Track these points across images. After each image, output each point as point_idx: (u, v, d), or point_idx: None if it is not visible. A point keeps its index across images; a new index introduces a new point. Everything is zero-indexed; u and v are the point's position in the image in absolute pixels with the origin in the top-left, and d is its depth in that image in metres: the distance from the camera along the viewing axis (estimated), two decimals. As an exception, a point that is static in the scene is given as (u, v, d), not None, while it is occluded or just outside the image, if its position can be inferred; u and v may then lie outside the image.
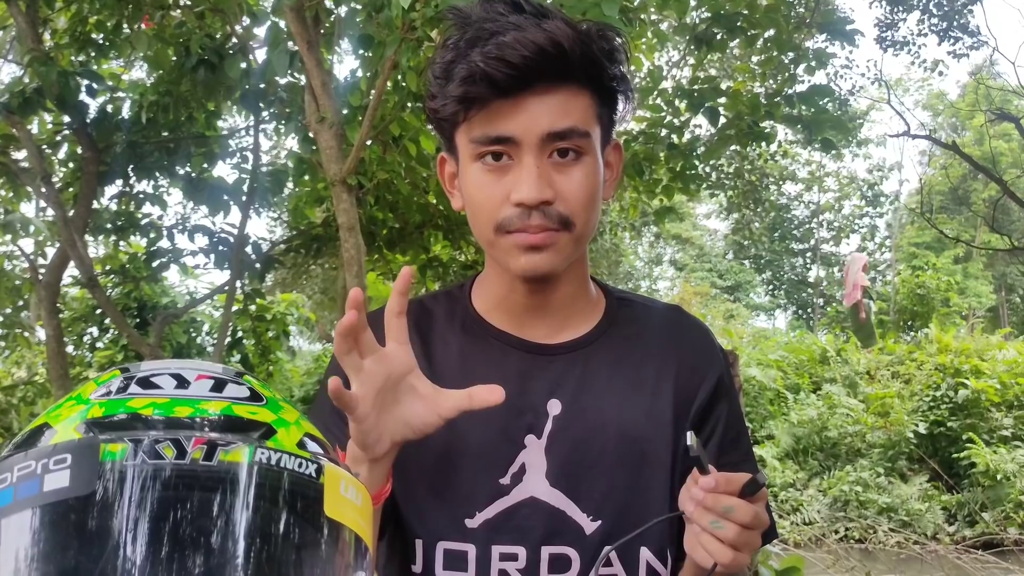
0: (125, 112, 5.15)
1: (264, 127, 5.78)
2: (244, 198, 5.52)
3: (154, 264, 5.90)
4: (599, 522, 1.08)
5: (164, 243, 5.80)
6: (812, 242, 30.89)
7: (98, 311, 7.26)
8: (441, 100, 1.01)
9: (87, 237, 5.56)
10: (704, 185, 6.33)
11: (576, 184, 1.02)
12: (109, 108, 5.12)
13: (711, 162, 6.59)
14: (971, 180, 24.15)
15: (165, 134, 5.29)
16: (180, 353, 8.08)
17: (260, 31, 4.74)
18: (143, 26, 4.63)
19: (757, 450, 10.75)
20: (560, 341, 1.13)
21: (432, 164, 4.67)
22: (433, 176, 4.79)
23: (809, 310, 30.74)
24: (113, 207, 5.83)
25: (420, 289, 5.78)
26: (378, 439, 0.95)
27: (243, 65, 4.59)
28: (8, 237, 5.51)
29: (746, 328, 20.16)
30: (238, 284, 5.81)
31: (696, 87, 5.01)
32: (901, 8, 9.50)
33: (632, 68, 5.38)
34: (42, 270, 5.51)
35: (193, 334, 8.88)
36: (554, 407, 1.10)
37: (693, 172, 5.26)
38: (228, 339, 6.41)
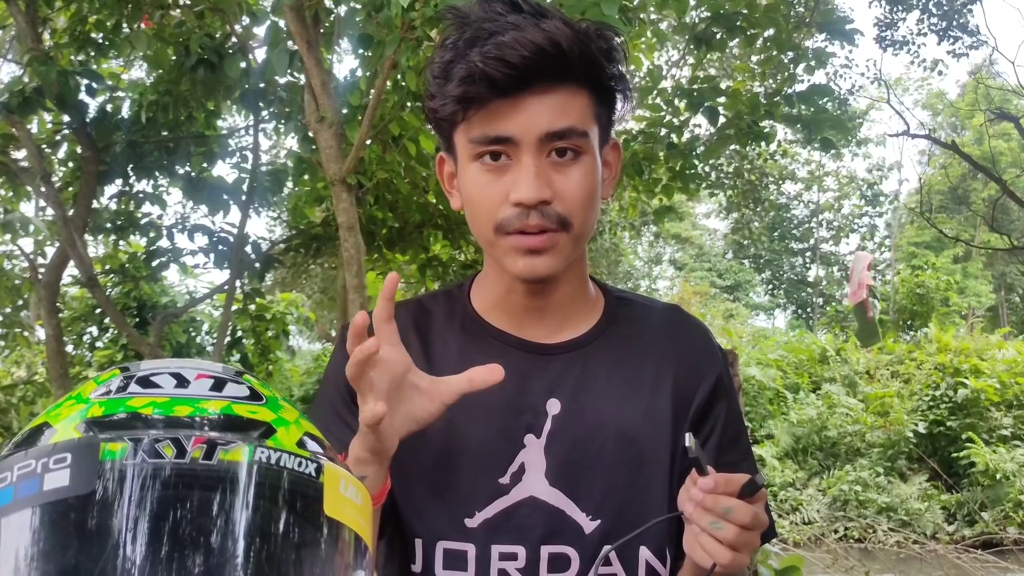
0: (125, 112, 5.15)
1: (264, 126, 5.79)
2: (244, 197, 5.52)
3: (154, 263, 5.91)
4: (598, 521, 1.08)
5: (164, 242, 5.82)
6: (811, 241, 30.89)
7: (98, 310, 7.26)
8: (440, 100, 1.01)
9: (87, 236, 5.56)
10: (704, 184, 6.34)
11: (574, 184, 1.02)
12: (109, 108, 5.12)
13: (711, 161, 6.60)
14: (970, 179, 24.15)
15: (165, 133, 5.29)
16: (180, 352, 8.08)
17: (260, 30, 4.74)
18: (143, 25, 4.63)
19: (757, 449, 10.75)
20: (559, 341, 1.13)
21: (431, 164, 4.66)
22: (433, 176, 4.79)
23: (808, 309, 30.76)
24: (113, 206, 5.84)
25: (420, 288, 5.78)
26: (388, 441, 0.96)
27: (243, 65, 4.59)
28: (8, 236, 5.51)
29: (745, 327, 20.16)
30: (238, 283, 5.81)
31: (696, 86, 5.01)
32: (900, 7, 9.51)
33: (632, 67, 5.38)
34: (42, 269, 5.51)
35: (193, 333, 8.89)
36: (553, 406, 1.10)
37: (693, 171, 5.26)
38: (228, 338, 6.41)
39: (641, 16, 4.72)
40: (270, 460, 0.62)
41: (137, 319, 7.74)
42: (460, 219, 5.11)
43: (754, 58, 5.93)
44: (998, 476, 10.14)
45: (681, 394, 1.13)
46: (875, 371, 12.92)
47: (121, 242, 6.14)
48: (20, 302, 6.21)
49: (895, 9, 9.57)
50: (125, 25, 4.71)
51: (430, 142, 4.71)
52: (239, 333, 6.79)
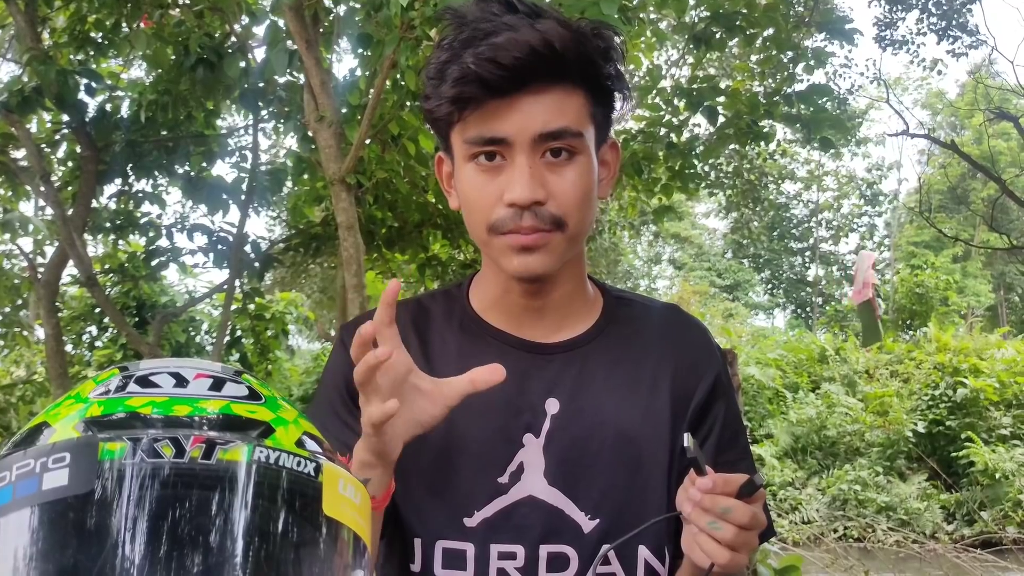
0: (124, 111, 5.15)
1: (263, 126, 5.79)
2: (243, 197, 5.52)
3: (153, 263, 5.90)
4: (597, 521, 1.08)
5: (163, 242, 5.82)
6: (811, 241, 30.88)
7: (97, 310, 7.25)
8: (435, 100, 1.01)
9: (86, 236, 5.56)
10: (703, 184, 6.34)
11: (569, 184, 1.02)
12: (108, 107, 5.12)
13: (710, 161, 6.60)
14: (970, 179, 24.15)
15: (164, 133, 5.28)
16: (179, 352, 8.08)
17: (259, 30, 4.73)
18: (142, 25, 4.63)
19: (756, 449, 10.76)
20: (558, 340, 1.13)
21: (431, 163, 4.65)
22: (432, 175, 4.79)
23: (808, 309, 30.74)
24: (112, 206, 5.83)
25: (419, 288, 5.78)
26: (392, 444, 0.96)
27: (242, 64, 4.58)
28: (7, 236, 5.50)
29: (745, 327, 20.15)
30: (237, 283, 5.80)
31: (695, 86, 5.01)
32: (900, 7, 9.51)
33: (631, 67, 5.38)
34: (41, 269, 5.51)
35: (192, 333, 8.88)
36: (552, 406, 1.10)
37: (692, 171, 5.26)
38: (227, 338, 6.40)
39: (640, 15, 4.71)
40: (269, 459, 0.62)
41: (136, 318, 7.73)
42: (459, 219, 5.08)
43: (753, 58, 5.93)
44: (997, 475, 10.14)
45: (680, 393, 1.13)
46: (874, 370, 12.93)
47: (120, 241, 6.14)
48: (19, 301, 6.21)
49: (894, 9, 9.56)
50: (124, 24, 4.70)
51: (429, 142, 4.71)
52: (238, 332, 6.79)
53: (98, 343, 7.91)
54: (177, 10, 4.86)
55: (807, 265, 31.59)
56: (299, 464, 0.63)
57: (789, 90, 4.96)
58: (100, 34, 4.84)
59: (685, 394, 1.13)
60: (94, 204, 5.47)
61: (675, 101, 4.99)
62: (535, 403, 1.10)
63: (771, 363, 12.84)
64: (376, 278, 6.40)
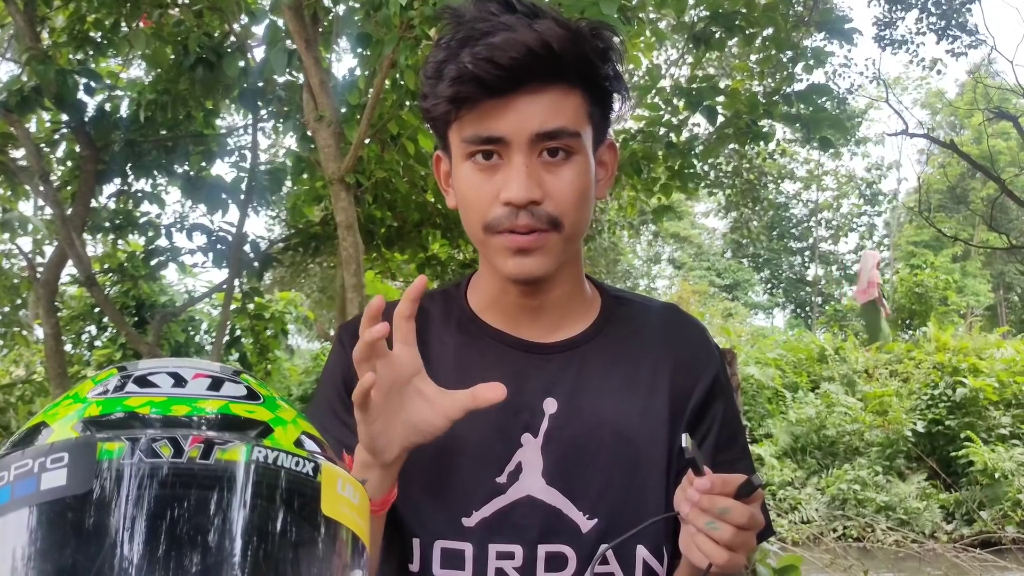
0: (123, 111, 5.15)
1: (262, 125, 5.79)
2: (242, 197, 5.52)
3: (152, 263, 5.90)
4: (595, 520, 1.08)
5: (162, 242, 5.81)
6: (810, 241, 30.86)
7: (96, 310, 7.25)
8: (432, 100, 1.01)
9: (85, 236, 5.56)
10: (702, 184, 6.33)
11: (565, 184, 1.02)
12: (107, 107, 5.11)
13: (709, 161, 6.59)
14: (969, 179, 24.14)
15: (163, 133, 5.28)
16: (178, 352, 8.08)
17: (258, 29, 4.74)
18: (141, 24, 4.62)
19: (755, 448, 10.75)
20: (556, 340, 1.13)
21: (430, 163, 4.65)
22: (431, 175, 4.77)
23: (807, 308, 30.73)
24: (111, 206, 5.83)
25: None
26: (388, 444, 0.96)
27: (241, 64, 4.58)
28: (6, 236, 5.51)
29: (744, 326, 20.14)
30: (236, 283, 5.80)
31: (694, 86, 5.01)
32: (899, 7, 9.50)
33: (630, 67, 5.38)
34: (40, 268, 5.51)
35: (191, 333, 8.88)
36: (550, 406, 1.10)
37: (691, 171, 5.26)
38: (226, 337, 6.40)
39: (640, 15, 4.71)
40: (267, 459, 0.62)
41: (136, 318, 7.73)
42: (458, 218, 5.07)
43: (753, 57, 5.93)
44: (996, 475, 10.13)
45: (678, 393, 1.13)
46: (874, 370, 12.92)
47: (120, 241, 6.13)
48: (19, 301, 6.21)
49: (894, 8, 9.56)
50: (124, 24, 4.70)
51: (429, 141, 4.71)
52: (238, 332, 6.78)
53: (97, 343, 7.90)
54: (176, 10, 4.86)
55: (806, 265, 31.58)
56: (298, 464, 0.63)
57: (788, 90, 4.96)
58: (99, 34, 4.84)
59: (683, 394, 1.13)
60: (93, 204, 5.47)
61: (674, 101, 4.99)
62: (533, 403, 1.10)
63: (770, 363, 12.83)
64: (375, 278, 6.40)
